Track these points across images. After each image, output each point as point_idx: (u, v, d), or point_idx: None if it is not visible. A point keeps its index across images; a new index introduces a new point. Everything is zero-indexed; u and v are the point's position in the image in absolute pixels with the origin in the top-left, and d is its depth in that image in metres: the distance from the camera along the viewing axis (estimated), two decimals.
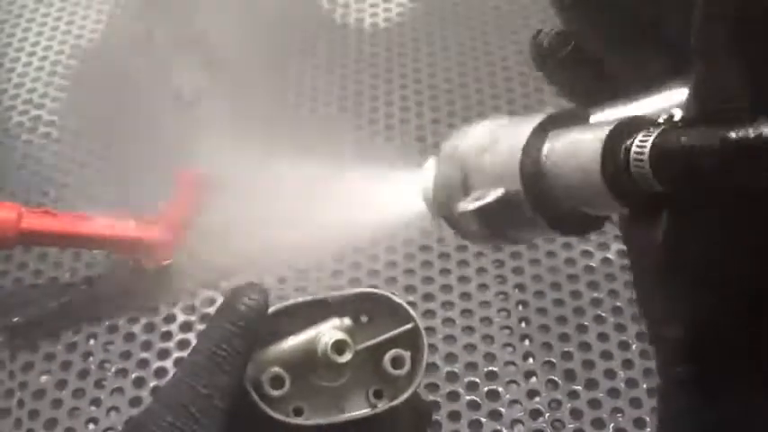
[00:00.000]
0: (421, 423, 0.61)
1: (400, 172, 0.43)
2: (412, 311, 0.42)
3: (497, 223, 0.28)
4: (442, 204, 0.29)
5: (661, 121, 0.24)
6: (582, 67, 0.28)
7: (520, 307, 0.81)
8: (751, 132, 0.21)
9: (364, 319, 0.42)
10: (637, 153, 0.23)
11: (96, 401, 0.77)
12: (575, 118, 0.26)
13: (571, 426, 0.74)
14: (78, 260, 0.87)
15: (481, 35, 1.08)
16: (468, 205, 0.28)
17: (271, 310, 0.39)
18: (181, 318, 0.83)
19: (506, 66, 1.05)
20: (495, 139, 0.27)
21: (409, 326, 0.42)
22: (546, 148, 0.26)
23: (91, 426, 0.76)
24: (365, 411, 0.42)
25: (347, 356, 0.41)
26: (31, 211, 0.82)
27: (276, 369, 0.40)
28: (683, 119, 0.24)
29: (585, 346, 0.78)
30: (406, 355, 0.42)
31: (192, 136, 0.99)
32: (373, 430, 0.42)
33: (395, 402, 0.42)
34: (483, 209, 0.27)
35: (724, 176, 0.22)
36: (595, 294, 0.82)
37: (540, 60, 0.28)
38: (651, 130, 0.24)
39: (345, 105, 1.03)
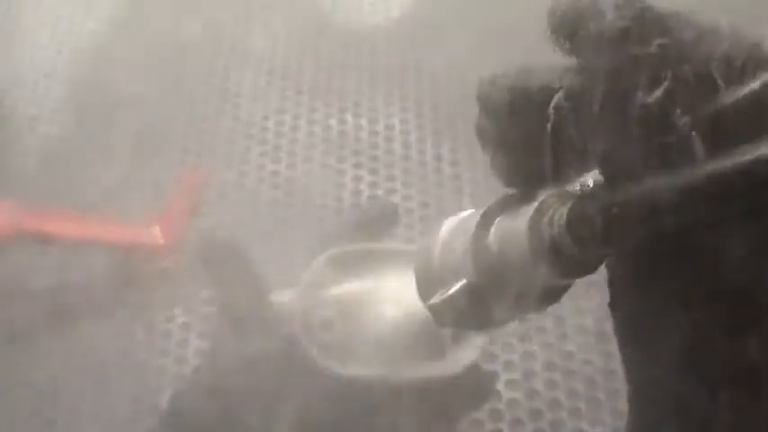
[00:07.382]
0: (479, 392, 0.60)
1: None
2: None
3: (469, 311, 0.29)
4: (423, 296, 0.31)
5: (578, 189, 0.26)
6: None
7: None
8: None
9: None
10: (558, 223, 0.25)
11: (96, 401, 0.77)
12: (520, 201, 0.28)
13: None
14: (78, 260, 0.87)
15: (483, 35, 1.08)
16: (438, 298, 0.30)
17: None
18: (181, 318, 0.83)
19: (509, 65, 1.04)
20: (454, 233, 0.30)
21: None
22: (491, 234, 0.28)
23: (91, 426, 0.76)
24: None
25: None
26: (29, 211, 0.82)
27: None
28: (594, 184, 0.26)
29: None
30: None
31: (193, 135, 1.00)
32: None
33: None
34: (449, 300, 0.29)
35: (613, 234, 0.24)
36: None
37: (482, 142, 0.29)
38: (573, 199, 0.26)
39: (345, 105, 1.03)
